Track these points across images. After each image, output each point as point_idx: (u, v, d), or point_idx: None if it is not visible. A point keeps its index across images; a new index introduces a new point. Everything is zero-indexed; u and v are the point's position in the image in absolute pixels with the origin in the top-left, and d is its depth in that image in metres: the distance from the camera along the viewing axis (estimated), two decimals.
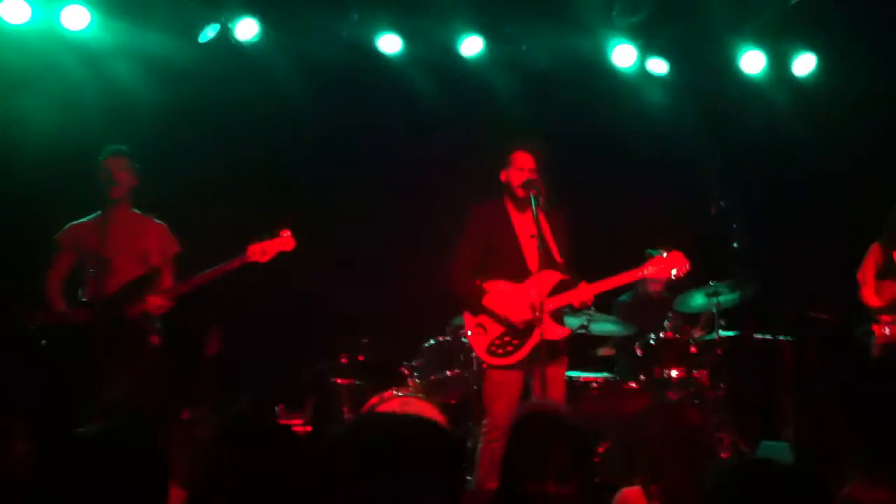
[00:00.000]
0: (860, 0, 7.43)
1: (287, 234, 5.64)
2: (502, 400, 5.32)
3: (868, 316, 6.30)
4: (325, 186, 7.64)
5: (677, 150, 7.98)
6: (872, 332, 6.08)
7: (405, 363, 6.58)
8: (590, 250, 6.07)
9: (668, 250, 5.66)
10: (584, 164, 7.80)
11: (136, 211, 5.85)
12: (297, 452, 2.75)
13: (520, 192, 5.45)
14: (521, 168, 5.49)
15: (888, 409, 2.94)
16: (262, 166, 7.48)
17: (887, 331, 6.03)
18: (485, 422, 5.45)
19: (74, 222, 5.79)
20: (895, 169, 7.40)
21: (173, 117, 7.14)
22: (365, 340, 6.93)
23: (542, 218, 5.34)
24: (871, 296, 6.30)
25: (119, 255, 5.63)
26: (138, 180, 5.78)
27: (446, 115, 7.85)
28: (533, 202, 5.28)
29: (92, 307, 5.53)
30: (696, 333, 6.71)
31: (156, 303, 5.53)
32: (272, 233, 5.63)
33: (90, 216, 5.79)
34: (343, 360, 6.79)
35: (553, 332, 5.32)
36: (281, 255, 5.63)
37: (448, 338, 6.52)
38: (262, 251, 5.58)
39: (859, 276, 6.40)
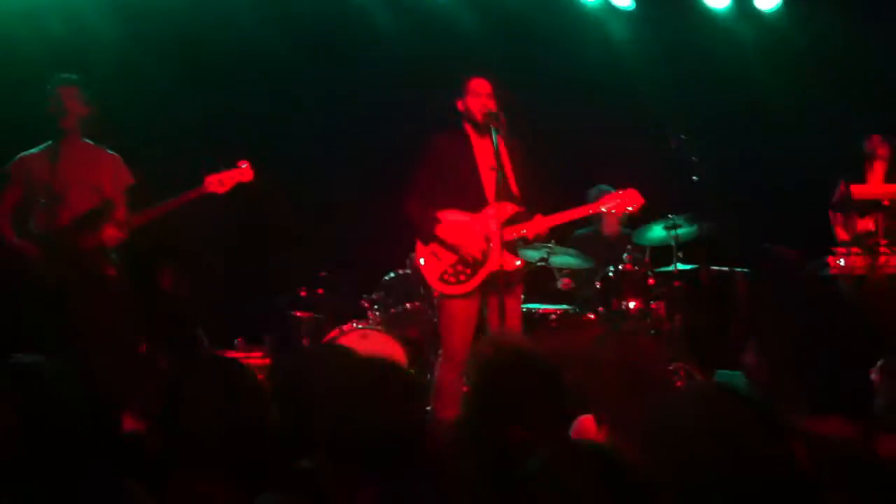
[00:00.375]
0: None
1: (245, 165, 5.58)
2: (456, 330, 5.32)
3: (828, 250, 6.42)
4: (285, 119, 7.56)
5: (639, 83, 7.96)
6: (827, 264, 6.15)
7: (365, 296, 6.59)
8: (549, 183, 6.07)
9: (623, 187, 5.65)
10: (547, 97, 7.74)
11: (89, 141, 5.72)
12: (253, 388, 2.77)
13: (479, 118, 5.38)
14: (478, 94, 5.43)
15: (838, 341, 2.97)
16: (221, 97, 7.38)
17: (842, 262, 6.11)
18: (440, 352, 5.45)
19: (24, 154, 5.64)
20: (857, 105, 7.48)
21: (135, 51, 7.03)
22: (324, 273, 6.91)
23: (501, 148, 5.32)
24: (840, 231, 6.43)
25: (72, 187, 5.52)
26: (90, 110, 5.66)
27: (409, 48, 7.77)
28: (493, 132, 5.26)
29: (45, 240, 5.46)
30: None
31: (111, 234, 5.47)
32: (230, 164, 5.57)
33: (40, 147, 5.64)
34: (302, 294, 6.78)
35: (507, 262, 5.30)
36: (239, 186, 5.58)
37: (408, 271, 6.52)
38: (219, 181, 5.52)
39: (830, 213, 6.52)
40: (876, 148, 6.60)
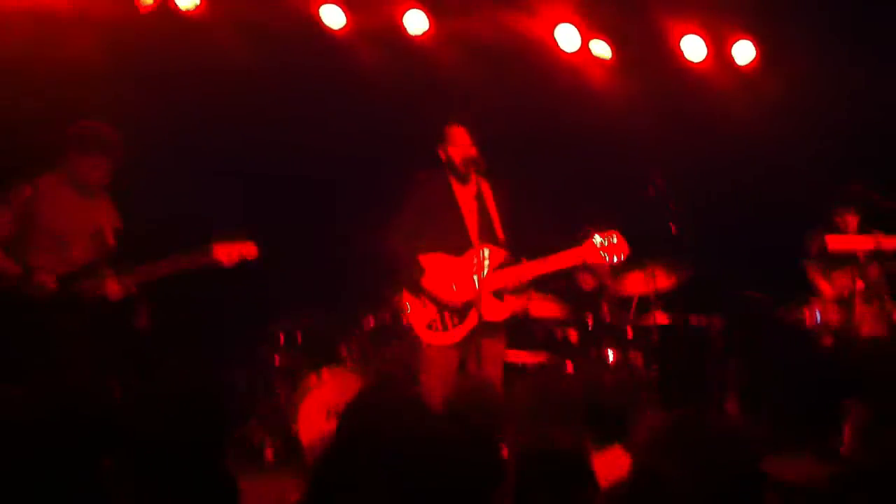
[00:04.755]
0: None
1: (251, 245, 5.62)
2: (437, 380, 5.29)
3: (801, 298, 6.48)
4: (265, 157, 7.54)
5: (617, 130, 8.02)
6: (803, 316, 6.21)
7: (344, 342, 6.55)
8: (528, 228, 6.10)
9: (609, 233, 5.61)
10: (526, 141, 7.80)
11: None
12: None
13: (461, 168, 5.44)
14: (457, 143, 5.48)
15: (809, 385, 3.03)
16: (200, 134, 7.34)
17: (818, 314, 6.17)
18: None
19: (23, 182, 5.43)
20: (834, 156, 7.59)
21: (112, 81, 6.96)
22: (303, 318, 6.85)
23: (485, 192, 5.35)
24: (822, 284, 6.49)
25: (75, 231, 5.46)
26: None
27: (389, 89, 7.78)
28: (475, 177, 5.31)
29: (51, 280, 5.35)
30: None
31: (114, 289, 5.42)
32: (238, 236, 5.59)
33: (38, 179, 5.46)
34: (280, 339, 6.71)
35: (493, 311, 5.31)
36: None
37: (388, 315, 6.49)
38: (227, 253, 5.54)
39: (807, 265, 6.60)
40: (844, 221, 6.65)
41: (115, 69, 6.95)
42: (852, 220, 6.65)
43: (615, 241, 5.47)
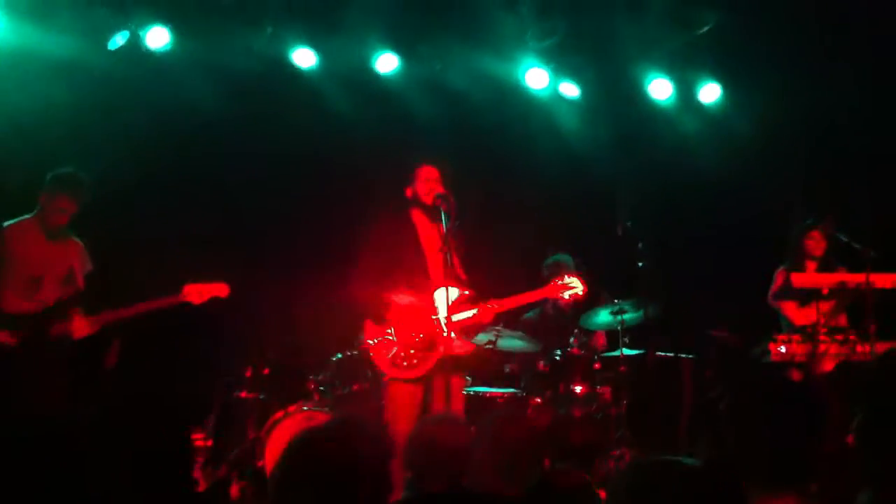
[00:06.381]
0: (765, 32, 7.67)
1: (223, 285, 5.75)
2: (403, 415, 5.27)
3: (766, 335, 6.51)
4: (235, 197, 7.55)
5: (587, 171, 8.12)
6: (769, 351, 6.23)
7: (311, 377, 6.52)
8: (498, 267, 6.14)
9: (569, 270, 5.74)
10: (496, 182, 7.86)
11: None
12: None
13: (428, 201, 5.45)
14: (426, 179, 5.51)
15: (783, 423, 3.02)
16: (171, 174, 7.35)
17: (783, 349, 6.19)
18: None
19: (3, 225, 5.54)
20: (795, 188, 7.72)
21: (83, 122, 6.98)
22: (271, 354, 6.82)
23: (449, 233, 5.36)
24: (795, 315, 6.52)
25: (47, 273, 5.52)
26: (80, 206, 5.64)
27: (360, 132, 7.84)
28: (442, 216, 5.30)
29: (14, 322, 5.37)
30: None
31: (79, 326, 5.45)
32: (210, 278, 5.72)
33: (19, 220, 5.57)
34: (248, 374, 6.67)
35: (456, 346, 5.29)
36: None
37: (355, 352, 6.47)
38: (198, 293, 5.67)
39: (771, 300, 6.63)
40: (814, 241, 6.69)
41: (84, 110, 6.99)
42: (818, 249, 6.67)
43: (575, 281, 5.69)
